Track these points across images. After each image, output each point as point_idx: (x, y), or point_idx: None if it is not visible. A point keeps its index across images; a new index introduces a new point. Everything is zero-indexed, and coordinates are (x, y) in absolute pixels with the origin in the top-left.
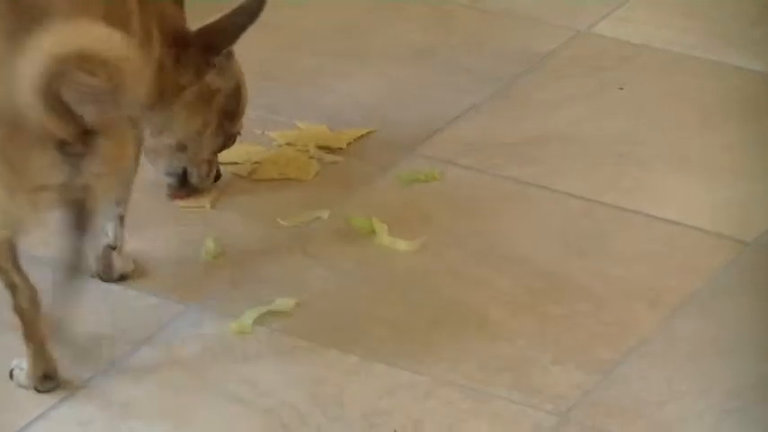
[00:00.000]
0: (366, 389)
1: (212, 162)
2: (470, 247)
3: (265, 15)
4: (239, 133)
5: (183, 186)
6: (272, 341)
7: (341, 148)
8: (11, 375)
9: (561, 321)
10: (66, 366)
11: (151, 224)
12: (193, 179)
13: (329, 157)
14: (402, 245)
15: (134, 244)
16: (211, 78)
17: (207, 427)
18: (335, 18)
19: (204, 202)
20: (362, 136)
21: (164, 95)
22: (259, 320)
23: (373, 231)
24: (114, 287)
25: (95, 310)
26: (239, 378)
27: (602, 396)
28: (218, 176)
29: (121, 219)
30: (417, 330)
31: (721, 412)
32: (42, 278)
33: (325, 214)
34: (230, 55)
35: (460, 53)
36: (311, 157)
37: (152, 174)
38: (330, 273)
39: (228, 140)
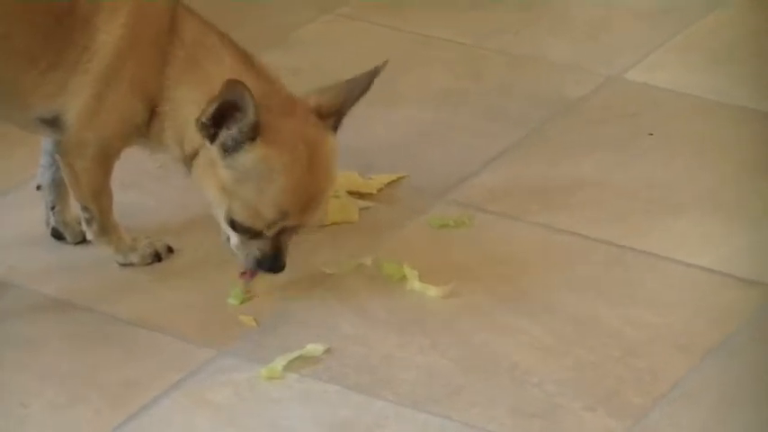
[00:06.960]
0: None
1: None
2: (501, 293)
3: (294, 60)
4: None
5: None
6: (302, 386)
7: (371, 194)
8: None
9: (592, 367)
10: (96, 413)
11: (182, 269)
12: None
13: (360, 203)
14: (433, 291)
15: (165, 290)
16: None
17: None
18: (365, 63)
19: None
20: (393, 181)
21: None
22: (289, 366)
23: (404, 277)
24: (146, 333)
25: (125, 355)
26: (270, 423)
27: None
28: None
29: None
30: (447, 376)
31: None
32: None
33: (368, 261)
34: None
35: (491, 98)
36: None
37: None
38: (360, 318)
39: None
